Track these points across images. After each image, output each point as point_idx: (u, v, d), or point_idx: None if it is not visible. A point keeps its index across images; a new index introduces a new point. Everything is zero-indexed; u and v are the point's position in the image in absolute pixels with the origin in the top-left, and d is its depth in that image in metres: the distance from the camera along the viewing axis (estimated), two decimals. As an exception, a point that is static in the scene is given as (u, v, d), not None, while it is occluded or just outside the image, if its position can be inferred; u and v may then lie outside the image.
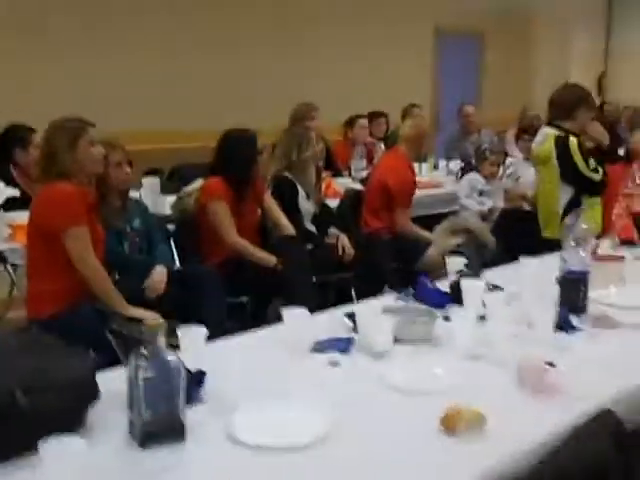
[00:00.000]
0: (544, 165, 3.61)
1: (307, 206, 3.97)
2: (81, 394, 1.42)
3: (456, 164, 5.64)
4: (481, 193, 4.56)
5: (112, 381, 1.55)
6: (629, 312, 2.12)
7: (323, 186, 4.41)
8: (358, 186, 4.86)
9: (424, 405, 1.57)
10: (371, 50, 7.56)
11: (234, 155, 3.54)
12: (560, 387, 1.58)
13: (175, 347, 1.61)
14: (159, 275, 3.04)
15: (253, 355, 1.89)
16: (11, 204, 3.43)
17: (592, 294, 2.12)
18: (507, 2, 9.17)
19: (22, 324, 3.69)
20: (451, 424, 1.40)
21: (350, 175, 5.36)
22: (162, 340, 1.41)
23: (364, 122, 5.85)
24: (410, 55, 8.11)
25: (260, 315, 3.74)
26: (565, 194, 3.51)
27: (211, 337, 1.79)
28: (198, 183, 3.72)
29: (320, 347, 1.88)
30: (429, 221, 4.47)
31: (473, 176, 4.62)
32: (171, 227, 3.72)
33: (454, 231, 3.83)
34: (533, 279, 2.22)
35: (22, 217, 3.27)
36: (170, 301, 3.00)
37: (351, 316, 2.03)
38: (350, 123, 5.88)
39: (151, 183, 4.02)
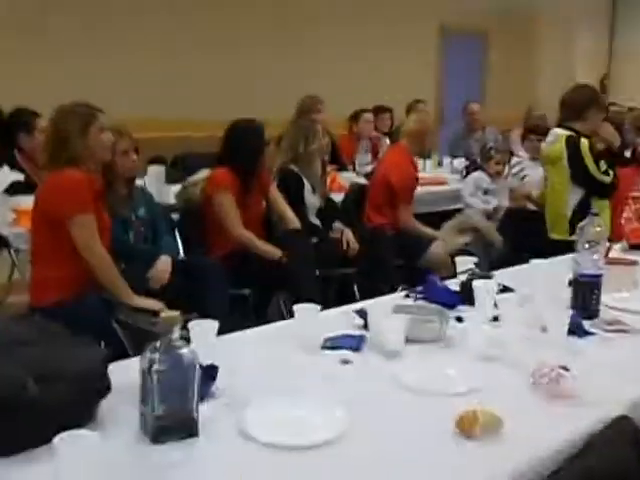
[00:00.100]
0: (554, 166, 3.60)
1: (312, 200, 3.95)
2: (93, 386, 1.39)
3: (460, 162, 5.62)
4: (486, 192, 4.53)
5: (120, 373, 1.53)
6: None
7: (328, 180, 4.39)
8: (362, 180, 4.83)
9: (438, 406, 1.56)
10: (376, 48, 7.54)
11: (241, 145, 3.51)
12: (574, 392, 1.57)
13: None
14: (163, 265, 3.02)
15: (263, 350, 1.87)
16: (15, 188, 3.40)
17: (604, 298, 2.10)
18: (511, 1, 9.14)
19: (22, 309, 3.68)
20: (467, 426, 1.38)
21: (354, 169, 5.34)
22: (177, 333, 1.39)
23: (369, 116, 5.83)
24: (414, 54, 8.09)
25: (262, 308, 3.73)
26: (574, 196, 3.49)
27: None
28: (203, 173, 3.69)
29: (331, 344, 1.86)
30: (432, 218, 4.45)
31: (478, 175, 4.60)
32: (175, 216, 3.69)
33: (461, 230, 3.81)
34: (544, 281, 2.21)
35: (26, 202, 3.25)
36: (173, 292, 2.97)
37: (361, 313, 2.01)
38: (355, 117, 5.85)
39: (156, 171, 3.98)
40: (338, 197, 4.39)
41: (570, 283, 2.13)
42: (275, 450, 1.37)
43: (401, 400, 1.61)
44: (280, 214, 3.66)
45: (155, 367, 1.36)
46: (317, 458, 1.36)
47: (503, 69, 9.02)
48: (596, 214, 2.05)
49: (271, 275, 3.42)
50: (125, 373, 1.52)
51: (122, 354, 2.01)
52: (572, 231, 3.34)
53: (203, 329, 1.68)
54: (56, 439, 1.20)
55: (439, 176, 5.32)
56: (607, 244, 2.27)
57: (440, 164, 5.80)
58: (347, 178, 4.92)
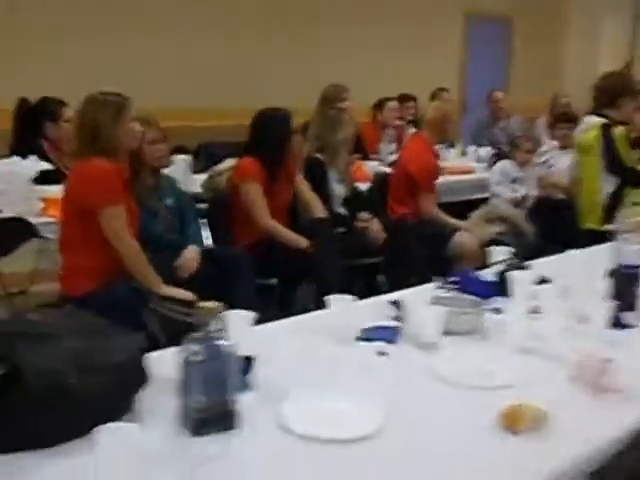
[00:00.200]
0: (587, 154, 3.53)
1: (338, 189, 3.92)
2: (132, 377, 1.38)
3: (486, 150, 5.55)
4: (514, 180, 4.47)
5: (153, 363, 1.52)
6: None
7: (353, 169, 4.35)
8: (387, 170, 4.79)
9: (478, 399, 1.53)
10: (400, 35, 7.47)
11: (267, 134, 3.49)
12: (620, 386, 1.53)
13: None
14: (191, 254, 3.01)
15: (297, 341, 1.85)
16: (43, 177, 3.40)
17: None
18: (536, -13, 9.02)
19: (47, 298, 3.70)
20: (512, 421, 1.35)
21: (379, 158, 5.29)
22: (216, 324, 1.37)
23: (394, 104, 5.77)
24: (439, 40, 8.01)
25: (288, 298, 3.72)
26: (608, 185, 3.43)
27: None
28: (229, 162, 3.68)
29: (367, 335, 1.83)
30: (457, 207, 4.40)
31: (506, 163, 4.54)
32: (201, 206, 3.68)
33: (489, 219, 3.75)
34: (581, 272, 2.16)
35: (54, 191, 3.25)
36: (201, 281, 2.96)
37: (396, 304, 1.98)
38: (379, 106, 5.79)
39: (182, 161, 3.97)
40: (363, 186, 4.35)
41: (608, 274, 2.08)
42: (314, 443, 1.35)
43: (439, 393, 1.58)
44: (306, 203, 3.64)
45: (195, 358, 1.34)
46: (356, 452, 1.34)
47: (528, 56, 8.90)
48: (637, 204, 2.00)
49: (297, 265, 3.40)
50: (159, 363, 1.51)
51: (152, 344, 2.01)
52: (605, 221, 3.29)
53: (240, 320, 1.66)
54: (97, 431, 1.19)
55: (465, 165, 5.26)
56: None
57: (464, 153, 5.73)
58: (372, 167, 4.88)
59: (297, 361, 1.72)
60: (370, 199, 4.23)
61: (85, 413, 1.31)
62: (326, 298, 1.92)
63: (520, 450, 1.33)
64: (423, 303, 1.93)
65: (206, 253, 3.12)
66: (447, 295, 2.02)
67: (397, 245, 3.88)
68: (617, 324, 1.88)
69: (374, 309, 2.06)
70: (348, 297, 1.88)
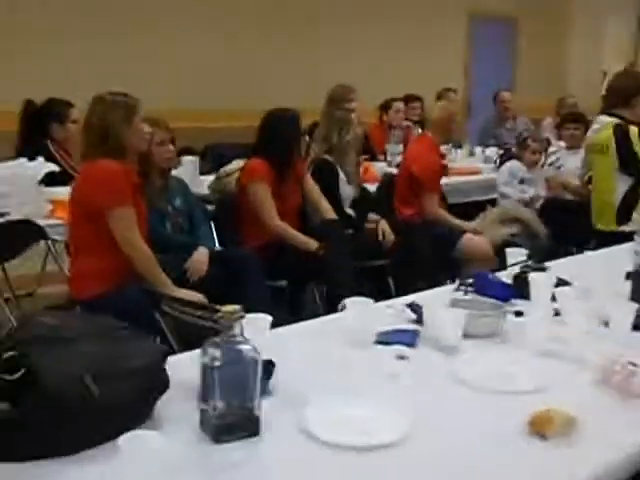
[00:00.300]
0: (601, 154, 3.50)
1: (347, 190, 3.88)
2: (152, 383, 1.35)
3: (492, 151, 5.53)
4: (522, 181, 4.44)
5: (171, 368, 1.49)
6: None
7: (361, 170, 4.32)
8: (394, 170, 4.76)
9: (502, 404, 1.50)
10: (404, 36, 7.45)
11: (276, 135, 3.46)
12: (648, 390, 1.50)
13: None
14: (201, 256, 2.99)
15: (314, 345, 1.82)
16: (50, 179, 3.37)
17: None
18: (541, -12, 8.99)
19: (55, 301, 3.67)
20: (541, 426, 1.32)
21: (386, 159, 5.26)
22: (238, 328, 1.34)
23: (400, 105, 5.74)
24: (443, 40, 7.98)
25: (297, 300, 3.69)
26: (622, 185, 3.40)
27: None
28: (237, 163, 3.65)
29: (385, 339, 1.80)
30: (463, 209, 4.37)
31: (514, 164, 4.51)
32: (208, 207, 3.65)
33: (503, 220, 3.71)
34: (600, 273, 2.14)
35: (62, 192, 3.23)
36: (211, 283, 2.94)
37: (414, 307, 1.95)
38: (385, 106, 5.77)
39: (190, 162, 3.94)
40: (371, 187, 4.33)
41: (628, 275, 2.05)
42: (338, 450, 1.32)
43: (463, 398, 1.55)
44: (315, 204, 3.60)
45: (216, 363, 1.31)
46: (381, 459, 1.31)
47: (532, 56, 8.87)
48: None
49: (307, 267, 3.37)
50: (175, 368, 1.48)
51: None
52: (620, 221, 3.26)
53: (257, 324, 1.63)
54: (118, 439, 1.16)
55: (473, 166, 5.23)
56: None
57: (472, 154, 5.70)
58: (379, 168, 4.86)
59: (315, 365, 1.69)
60: (378, 200, 4.20)
61: (104, 420, 1.28)
62: (344, 301, 1.89)
63: (550, 456, 1.30)
64: (441, 306, 1.90)
65: (215, 255, 3.09)
66: (466, 297, 1.99)
67: (406, 247, 3.85)
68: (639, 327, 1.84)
69: (389, 312, 2.04)
70: (365, 300, 1.85)
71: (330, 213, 3.55)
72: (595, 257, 2.24)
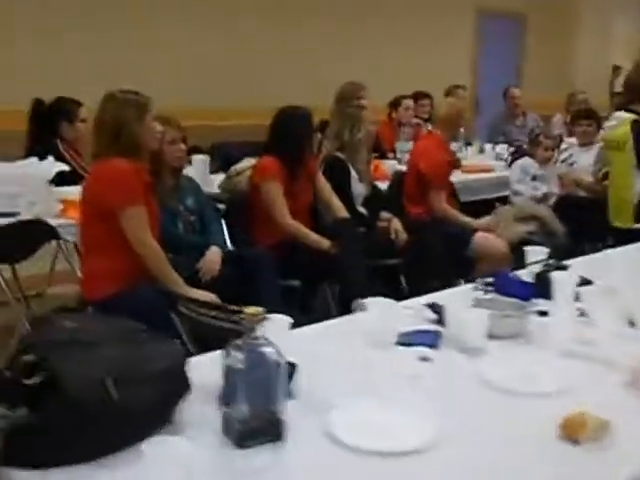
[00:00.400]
0: (618, 151, 3.45)
1: (359, 188, 3.85)
2: (174, 386, 1.32)
3: (503, 148, 5.48)
4: (535, 178, 4.39)
5: (190, 370, 1.45)
6: None
7: (371, 168, 4.28)
8: (404, 168, 4.72)
9: (531, 407, 1.47)
10: (411, 31, 7.40)
11: (287, 133, 3.43)
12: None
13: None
14: (214, 256, 2.96)
15: (336, 346, 1.78)
16: (61, 179, 3.35)
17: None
18: (550, -16, 8.93)
19: (65, 301, 3.65)
20: (573, 430, 1.29)
21: (395, 157, 5.22)
22: (260, 330, 1.31)
23: (409, 103, 5.70)
24: (450, 37, 7.93)
25: (308, 299, 3.65)
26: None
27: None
28: (247, 162, 3.62)
29: (406, 340, 1.77)
30: (474, 206, 4.32)
31: (526, 161, 4.46)
32: (219, 206, 3.62)
33: (520, 218, 3.67)
34: (622, 271, 2.09)
35: (72, 192, 3.20)
36: (224, 283, 2.91)
37: (435, 307, 1.92)
38: (395, 104, 5.73)
39: (201, 161, 3.91)
40: (382, 185, 4.28)
41: (653, 274, 2.01)
42: (364, 455, 1.29)
43: (490, 401, 1.51)
44: (327, 202, 3.57)
45: (239, 366, 1.28)
46: (407, 465, 1.27)
47: (540, 53, 8.82)
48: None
49: (320, 266, 3.33)
50: (194, 370, 1.43)
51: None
52: (638, 219, 3.21)
53: (276, 325, 1.60)
54: (144, 445, 1.13)
55: (484, 163, 5.19)
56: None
57: (482, 151, 5.66)
58: (389, 166, 4.81)
59: (336, 367, 1.66)
60: (390, 198, 4.16)
61: (125, 424, 1.25)
62: (359, 301, 1.86)
63: (583, 461, 1.27)
64: (463, 306, 1.86)
65: (228, 254, 3.06)
66: (488, 297, 1.95)
67: (418, 245, 3.81)
68: (666, 327, 1.81)
69: (409, 312, 2.00)
70: (386, 300, 1.82)
71: (342, 211, 3.52)
72: (614, 255, 2.20)
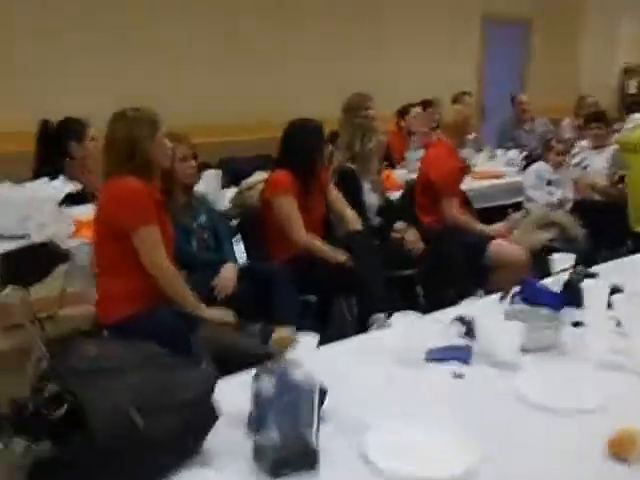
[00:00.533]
0: (634, 153, 3.40)
1: (372, 198, 3.79)
2: (201, 416, 1.26)
3: (514, 153, 5.42)
4: (550, 183, 4.33)
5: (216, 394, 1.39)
6: None
7: (383, 178, 4.23)
8: (415, 177, 4.66)
9: (573, 424, 1.41)
10: (417, 37, 7.37)
11: (298, 146, 3.37)
12: None
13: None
14: (229, 273, 2.90)
15: (363, 364, 1.73)
16: (70, 199, 3.31)
17: None
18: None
19: (77, 323, 3.59)
20: (623, 449, 1.22)
21: (406, 166, 5.16)
22: (292, 355, 1.25)
23: (417, 110, 5.65)
24: (456, 42, 7.89)
25: (324, 314, 3.59)
26: (659, 184, 3.30)
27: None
28: (259, 175, 3.57)
29: (437, 356, 1.71)
30: (487, 213, 4.26)
31: (540, 165, 4.40)
32: (232, 222, 3.57)
33: (540, 225, 3.60)
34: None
35: (84, 212, 3.16)
36: (240, 299, 2.85)
37: (463, 320, 1.85)
38: (402, 112, 5.68)
39: (214, 176, 3.86)
40: (394, 195, 4.23)
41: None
42: (403, 481, 1.23)
43: (530, 419, 1.45)
44: (340, 214, 3.51)
45: (270, 392, 1.22)
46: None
47: (546, 57, 8.77)
48: None
49: (336, 280, 3.27)
50: (219, 394, 1.38)
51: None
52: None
53: (305, 345, 1.54)
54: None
55: (495, 169, 5.13)
56: None
57: (492, 157, 5.60)
58: (400, 175, 4.76)
59: (367, 387, 1.60)
60: (403, 208, 4.10)
61: (152, 456, 1.20)
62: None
63: (636, 482, 1.21)
64: (493, 318, 1.80)
65: (244, 270, 3.00)
66: (520, 308, 1.88)
67: (435, 254, 3.75)
68: None
69: (433, 326, 1.94)
70: (414, 315, 1.76)
71: (355, 223, 3.45)
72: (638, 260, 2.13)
